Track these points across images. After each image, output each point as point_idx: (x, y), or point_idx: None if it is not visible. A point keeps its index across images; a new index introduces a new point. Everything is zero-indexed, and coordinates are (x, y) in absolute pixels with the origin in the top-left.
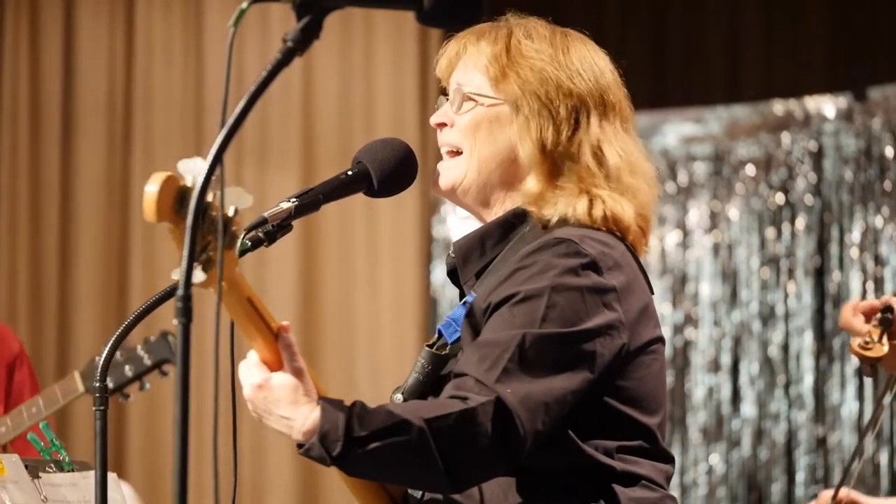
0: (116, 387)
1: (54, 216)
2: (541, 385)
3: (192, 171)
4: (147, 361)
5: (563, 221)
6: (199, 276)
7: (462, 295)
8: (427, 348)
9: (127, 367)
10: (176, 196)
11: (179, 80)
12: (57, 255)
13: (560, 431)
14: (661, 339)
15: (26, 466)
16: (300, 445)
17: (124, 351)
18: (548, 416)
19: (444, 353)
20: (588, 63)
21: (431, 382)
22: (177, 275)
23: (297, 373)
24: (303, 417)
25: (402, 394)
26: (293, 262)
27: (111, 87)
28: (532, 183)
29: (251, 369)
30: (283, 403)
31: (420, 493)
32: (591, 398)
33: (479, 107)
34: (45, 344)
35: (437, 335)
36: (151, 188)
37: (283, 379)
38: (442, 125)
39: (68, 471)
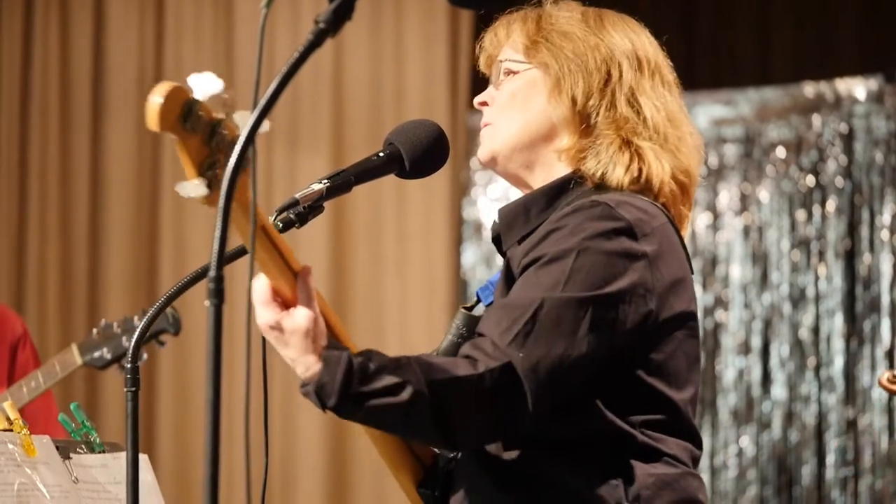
0: (114, 357)
1: (84, 201)
2: (556, 349)
3: (203, 85)
4: None
5: (603, 180)
6: (200, 189)
7: None
8: (463, 310)
9: (124, 339)
10: (182, 107)
11: (209, 64)
12: (87, 239)
13: (580, 398)
14: (694, 316)
15: (57, 448)
16: (303, 385)
17: (121, 322)
18: (560, 382)
19: (479, 315)
20: (620, 27)
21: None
22: (182, 189)
23: (310, 318)
24: (305, 365)
25: (437, 354)
26: (323, 244)
27: (141, 71)
28: (565, 139)
29: (263, 306)
30: (291, 347)
31: (450, 454)
32: (617, 367)
33: (515, 78)
34: (74, 327)
35: (475, 298)
36: (156, 98)
37: (295, 324)
38: (483, 104)
39: (99, 452)
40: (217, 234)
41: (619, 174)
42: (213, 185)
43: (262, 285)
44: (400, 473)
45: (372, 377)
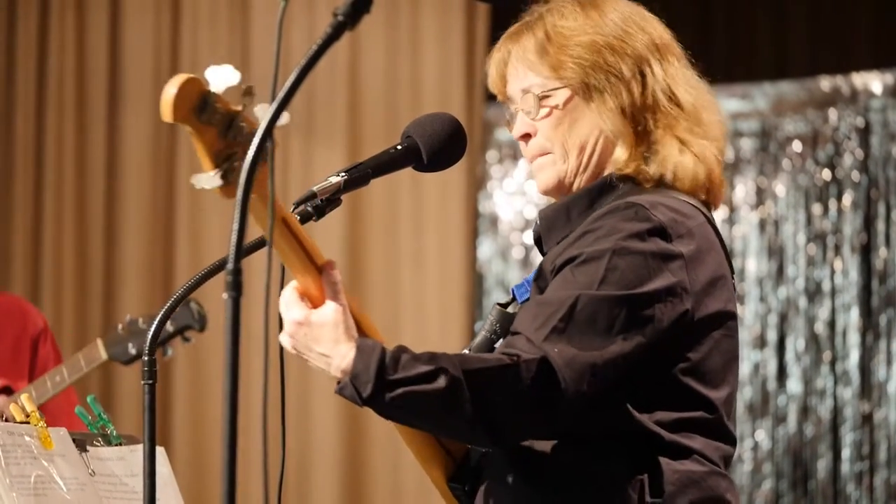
0: (139, 352)
1: (100, 191)
2: (591, 347)
3: (220, 77)
4: (169, 327)
5: (668, 179)
6: (215, 181)
7: None
8: (498, 307)
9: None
10: (198, 99)
11: (225, 57)
12: (103, 231)
13: (611, 396)
14: (733, 315)
15: (74, 440)
16: (338, 383)
17: (146, 318)
18: (595, 379)
19: (514, 312)
20: (626, 16)
21: (498, 340)
22: (198, 181)
23: (339, 310)
24: (340, 356)
25: (470, 351)
26: (339, 237)
27: (157, 63)
28: (619, 151)
29: (291, 305)
30: (322, 341)
31: (480, 450)
32: (652, 366)
33: (554, 107)
34: (90, 319)
35: (511, 295)
36: (171, 89)
37: (324, 316)
38: (526, 136)
39: (116, 445)
40: (235, 226)
41: (684, 176)
42: (228, 176)
43: (289, 290)
44: (430, 468)
45: (407, 365)
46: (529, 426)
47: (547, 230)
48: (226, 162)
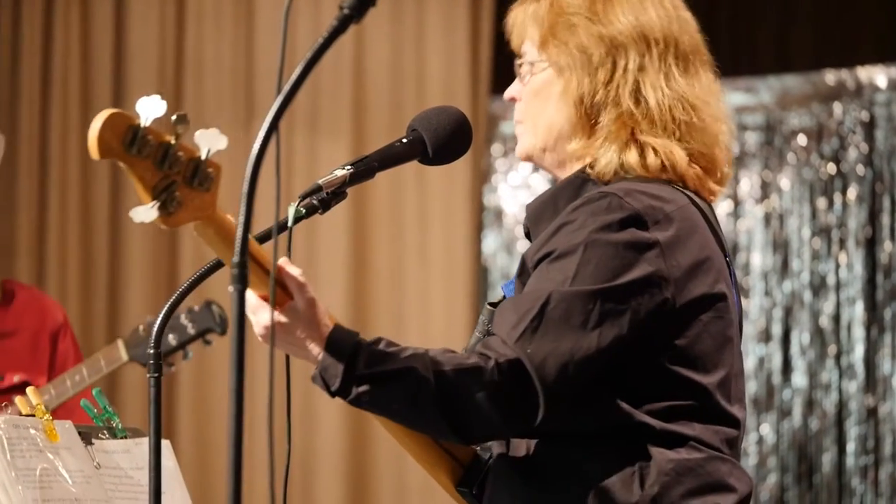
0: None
1: (105, 186)
2: (565, 344)
3: (147, 108)
4: (191, 330)
5: (619, 175)
6: (152, 213)
7: None
8: (489, 306)
9: (171, 336)
10: (126, 133)
11: (230, 49)
12: (107, 226)
13: (597, 391)
14: (722, 296)
15: (79, 433)
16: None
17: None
18: (570, 377)
19: None
20: (630, 4)
21: None
22: (135, 215)
23: (309, 304)
24: (313, 352)
25: (465, 351)
26: (343, 230)
27: (162, 57)
28: (573, 143)
29: (258, 309)
30: (297, 335)
31: (489, 453)
32: (638, 357)
33: (535, 76)
34: (95, 314)
35: (502, 294)
36: (95, 125)
37: (293, 314)
38: (513, 99)
39: (121, 437)
40: (241, 219)
41: (632, 163)
42: (168, 206)
43: (251, 296)
44: (437, 472)
45: (377, 361)
46: (501, 426)
47: (535, 223)
48: (164, 192)
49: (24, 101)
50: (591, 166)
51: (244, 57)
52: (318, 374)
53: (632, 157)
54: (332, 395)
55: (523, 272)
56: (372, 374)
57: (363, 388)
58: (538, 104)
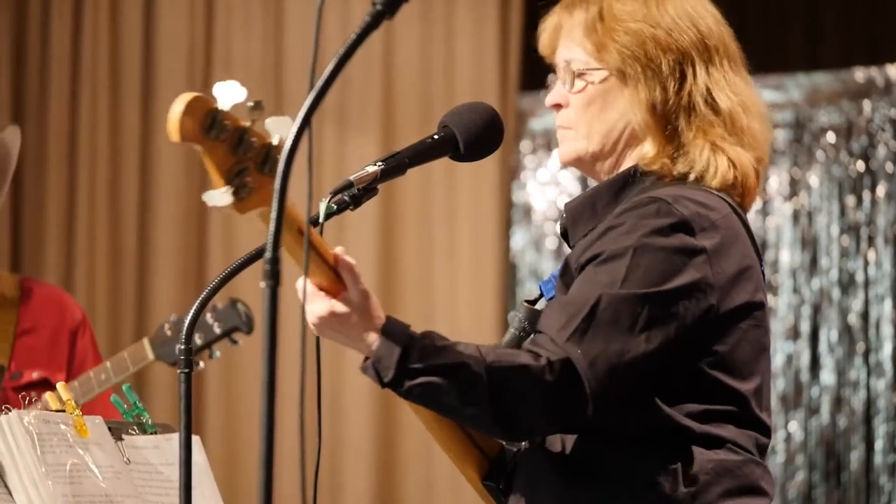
0: None
1: (134, 180)
2: (614, 346)
3: (226, 93)
4: (217, 330)
5: (699, 178)
6: (226, 198)
7: None
8: (526, 304)
9: (196, 336)
10: (205, 117)
11: (259, 44)
12: (136, 220)
13: (640, 393)
14: (761, 305)
15: (109, 429)
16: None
17: None
18: (619, 379)
19: (541, 309)
20: (683, 11)
21: (528, 338)
22: (209, 198)
23: (363, 295)
24: (366, 343)
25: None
26: (372, 227)
27: (191, 51)
28: (648, 147)
29: (313, 298)
30: (350, 327)
31: (514, 447)
32: (679, 361)
33: (589, 84)
34: (123, 309)
35: (539, 292)
36: (177, 108)
37: (348, 305)
38: (558, 106)
39: (151, 433)
40: (273, 214)
41: (716, 178)
42: (240, 192)
43: (306, 284)
44: (463, 465)
45: (431, 354)
46: (549, 425)
47: (573, 223)
48: (237, 178)
49: (53, 95)
50: (652, 168)
51: (273, 53)
52: (371, 366)
53: (720, 165)
54: (384, 385)
55: (566, 272)
56: (426, 368)
57: (416, 380)
58: (594, 111)
